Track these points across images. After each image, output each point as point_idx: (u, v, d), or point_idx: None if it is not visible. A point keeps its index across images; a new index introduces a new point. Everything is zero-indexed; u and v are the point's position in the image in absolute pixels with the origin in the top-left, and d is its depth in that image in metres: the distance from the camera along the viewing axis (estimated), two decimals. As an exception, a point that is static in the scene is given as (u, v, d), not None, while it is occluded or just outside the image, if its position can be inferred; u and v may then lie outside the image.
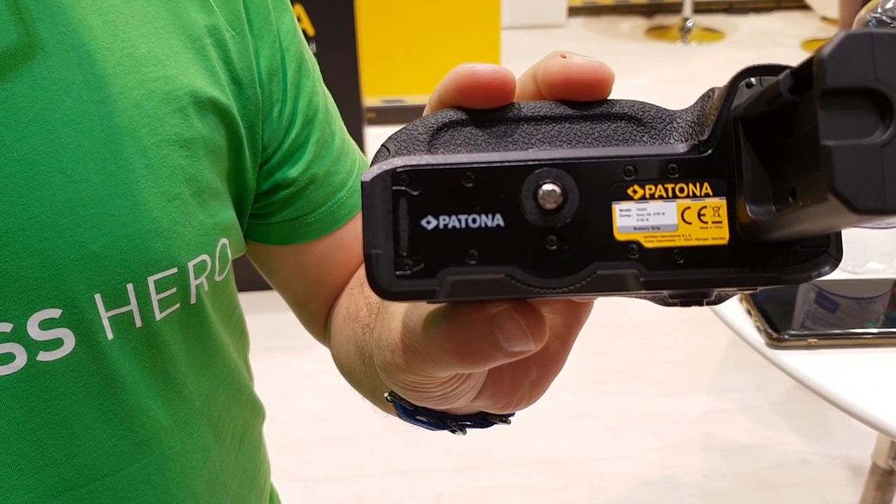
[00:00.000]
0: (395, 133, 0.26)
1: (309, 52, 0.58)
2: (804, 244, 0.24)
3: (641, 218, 0.25)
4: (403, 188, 0.25)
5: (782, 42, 4.38)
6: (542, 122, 0.26)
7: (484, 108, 0.26)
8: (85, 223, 0.43)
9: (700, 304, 0.27)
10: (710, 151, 0.25)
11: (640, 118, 0.26)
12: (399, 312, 0.31)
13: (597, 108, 0.26)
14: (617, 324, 2.22)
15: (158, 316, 0.47)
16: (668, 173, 0.25)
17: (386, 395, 0.41)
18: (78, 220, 0.43)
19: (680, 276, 0.25)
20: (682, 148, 0.25)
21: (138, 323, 0.47)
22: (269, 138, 0.54)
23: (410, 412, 0.41)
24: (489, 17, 3.26)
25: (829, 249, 0.25)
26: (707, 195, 0.25)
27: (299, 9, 2.25)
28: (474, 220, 0.25)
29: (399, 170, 0.25)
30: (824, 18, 4.60)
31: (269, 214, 0.57)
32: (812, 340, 0.86)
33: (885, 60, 0.21)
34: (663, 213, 0.25)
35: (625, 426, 1.93)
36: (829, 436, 1.89)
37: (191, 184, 0.47)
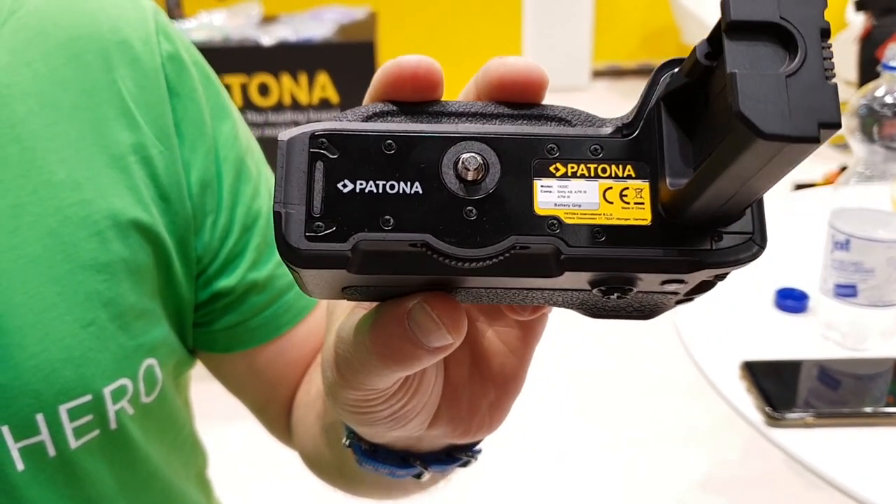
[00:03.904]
0: (326, 121, 0.26)
1: (253, 153, 0.57)
2: (728, 230, 0.25)
3: (563, 195, 0.25)
4: (321, 151, 0.25)
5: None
6: (472, 117, 0.26)
7: (414, 101, 0.26)
8: None
9: (624, 294, 0.26)
10: (633, 135, 0.25)
11: (570, 121, 0.26)
12: (335, 326, 0.31)
13: (529, 109, 0.26)
14: (606, 385, 2.23)
15: (74, 444, 0.47)
16: (591, 154, 0.25)
17: (344, 440, 0.40)
18: None
19: (600, 254, 0.25)
20: (606, 131, 0.26)
21: (51, 452, 0.46)
22: (204, 250, 0.53)
23: (370, 454, 0.39)
24: (512, 82, 3.29)
25: (752, 236, 0.25)
26: (630, 177, 0.25)
27: (324, 77, 2.28)
28: (392, 187, 0.25)
29: (318, 132, 0.25)
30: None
31: (211, 322, 0.56)
32: (810, 420, 0.85)
33: None
34: (585, 192, 0.25)
35: (623, 491, 1.89)
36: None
37: (108, 308, 0.47)
